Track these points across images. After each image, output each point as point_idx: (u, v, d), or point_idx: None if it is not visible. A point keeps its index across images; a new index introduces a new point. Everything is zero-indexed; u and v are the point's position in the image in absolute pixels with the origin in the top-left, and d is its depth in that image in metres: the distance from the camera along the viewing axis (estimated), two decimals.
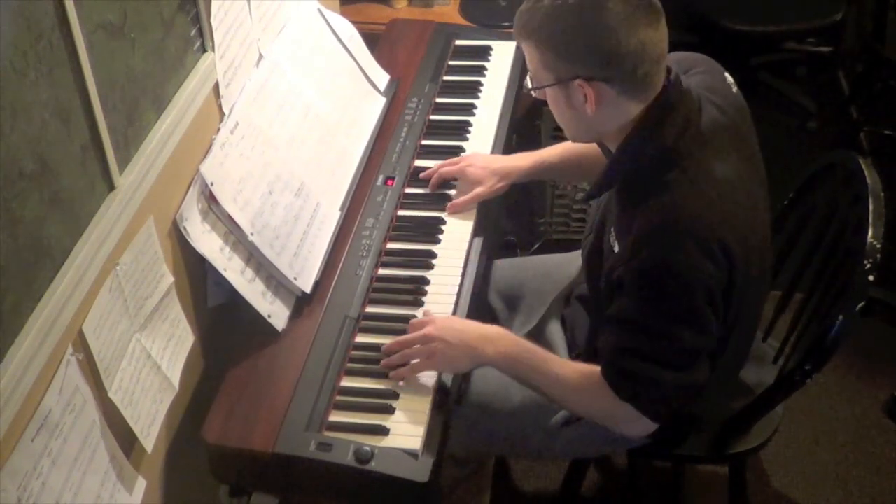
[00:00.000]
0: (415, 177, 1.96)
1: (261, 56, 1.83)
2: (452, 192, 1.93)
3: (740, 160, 1.49)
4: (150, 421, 1.45)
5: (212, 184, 1.57)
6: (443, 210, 1.89)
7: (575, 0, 1.39)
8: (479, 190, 1.88)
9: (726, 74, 1.61)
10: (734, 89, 1.58)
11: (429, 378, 1.57)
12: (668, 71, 1.47)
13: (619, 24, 1.37)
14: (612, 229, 1.50)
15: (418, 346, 1.57)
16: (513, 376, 1.62)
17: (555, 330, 1.85)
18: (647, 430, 1.55)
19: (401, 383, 1.57)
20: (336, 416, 1.51)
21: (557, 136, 2.28)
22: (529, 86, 1.53)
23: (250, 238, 1.61)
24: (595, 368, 1.53)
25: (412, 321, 1.63)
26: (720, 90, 1.55)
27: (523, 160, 1.91)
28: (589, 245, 1.63)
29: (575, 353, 1.78)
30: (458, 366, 1.59)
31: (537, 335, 1.85)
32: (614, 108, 1.44)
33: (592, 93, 1.42)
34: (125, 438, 1.40)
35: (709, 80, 1.56)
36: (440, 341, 1.56)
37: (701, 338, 1.45)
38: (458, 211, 1.88)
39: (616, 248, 1.48)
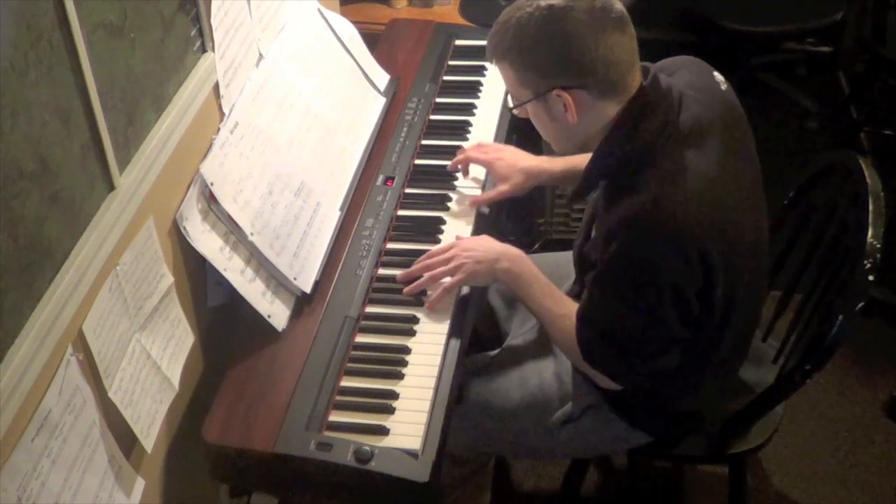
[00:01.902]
0: (415, 177, 1.96)
1: (261, 56, 1.82)
2: (453, 192, 1.93)
3: (728, 157, 1.49)
4: (150, 421, 1.45)
5: (212, 184, 1.57)
6: (443, 210, 1.89)
7: (540, 14, 1.43)
8: (502, 187, 1.88)
9: (715, 73, 1.61)
10: (723, 87, 1.59)
11: (429, 378, 1.57)
12: (646, 72, 1.49)
13: (586, 31, 1.41)
14: (596, 224, 1.53)
15: (443, 267, 1.65)
16: (518, 298, 1.70)
17: None
18: (613, 386, 1.61)
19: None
20: (336, 416, 1.51)
21: None
22: (511, 105, 1.56)
23: (250, 238, 1.61)
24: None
25: (433, 250, 1.71)
26: (706, 88, 1.56)
27: (553, 164, 1.90)
28: (578, 246, 1.66)
29: None
30: (482, 279, 1.69)
31: (536, 333, 1.85)
32: (594, 111, 1.47)
33: (571, 100, 1.45)
34: (125, 438, 1.40)
35: (694, 79, 1.57)
36: (466, 258, 1.64)
37: (659, 333, 1.49)
38: (477, 205, 1.89)
39: (593, 236, 1.52)
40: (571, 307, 1.61)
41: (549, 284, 1.67)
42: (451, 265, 1.66)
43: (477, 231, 1.85)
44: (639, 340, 1.51)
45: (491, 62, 1.54)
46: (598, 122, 1.48)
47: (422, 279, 1.67)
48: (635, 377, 1.58)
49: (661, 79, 1.49)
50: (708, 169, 1.45)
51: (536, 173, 1.89)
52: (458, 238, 1.74)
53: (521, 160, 1.90)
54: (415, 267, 1.69)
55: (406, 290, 1.67)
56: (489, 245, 1.70)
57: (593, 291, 1.52)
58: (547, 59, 1.44)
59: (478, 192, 1.92)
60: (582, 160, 1.87)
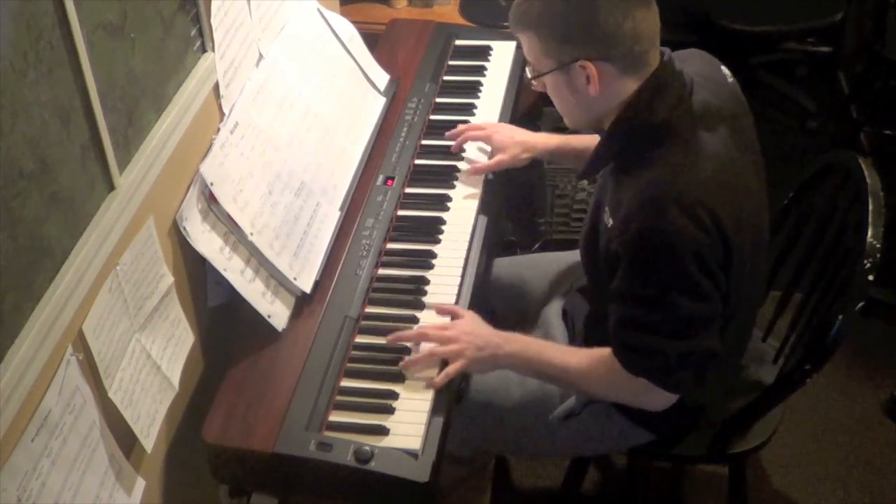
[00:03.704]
0: (415, 177, 1.96)
1: (261, 56, 1.83)
2: (453, 192, 1.92)
3: (734, 143, 1.51)
4: (150, 421, 1.45)
5: (212, 184, 1.57)
6: (443, 210, 1.89)
7: None
8: (501, 157, 1.91)
9: (723, 67, 1.63)
10: (730, 80, 1.61)
11: (429, 378, 1.57)
12: (662, 54, 1.50)
13: (616, 4, 1.42)
14: (608, 208, 1.51)
15: (443, 347, 1.58)
16: (529, 373, 1.65)
17: (556, 324, 1.86)
18: (668, 401, 1.56)
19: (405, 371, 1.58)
20: (336, 416, 1.51)
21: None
22: (529, 76, 1.56)
23: (250, 238, 1.61)
24: (605, 350, 1.55)
25: (425, 328, 1.62)
26: (714, 79, 1.58)
27: (549, 139, 1.94)
28: (585, 232, 1.65)
29: (575, 343, 1.78)
30: (483, 367, 1.63)
31: (538, 330, 1.85)
32: (615, 86, 1.48)
33: (595, 72, 1.46)
34: (125, 438, 1.40)
35: (703, 69, 1.59)
36: (467, 345, 1.58)
37: (699, 304, 1.44)
38: (477, 174, 1.91)
39: (610, 223, 1.49)
40: (587, 350, 1.60)
41: (553, 344, 1.67)
42: (451, 347, 1.58)
43: (478, 230, 1.85)
44: (679, 320, 1.45)
45: (514, 32, 1.54)
46: (616, 98, 1.49)
47: (421, 354, 1.58)
48: (679, 376, 1.51)
49: (676, 63, 1.51)
50: (717, 150, 1.46)
51: (532, 145, 1.93)
52: (438, 309, 1.67)
53: (517, 134, 1.95)
54: (409, 334, 1.61)
55: (405, 363, 1.57)
56: (488, 331, 1.63)
57: (624, 287, 1.47)
58: (575, 29, 1.45)
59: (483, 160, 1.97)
60: (578, 139, 1.90)
